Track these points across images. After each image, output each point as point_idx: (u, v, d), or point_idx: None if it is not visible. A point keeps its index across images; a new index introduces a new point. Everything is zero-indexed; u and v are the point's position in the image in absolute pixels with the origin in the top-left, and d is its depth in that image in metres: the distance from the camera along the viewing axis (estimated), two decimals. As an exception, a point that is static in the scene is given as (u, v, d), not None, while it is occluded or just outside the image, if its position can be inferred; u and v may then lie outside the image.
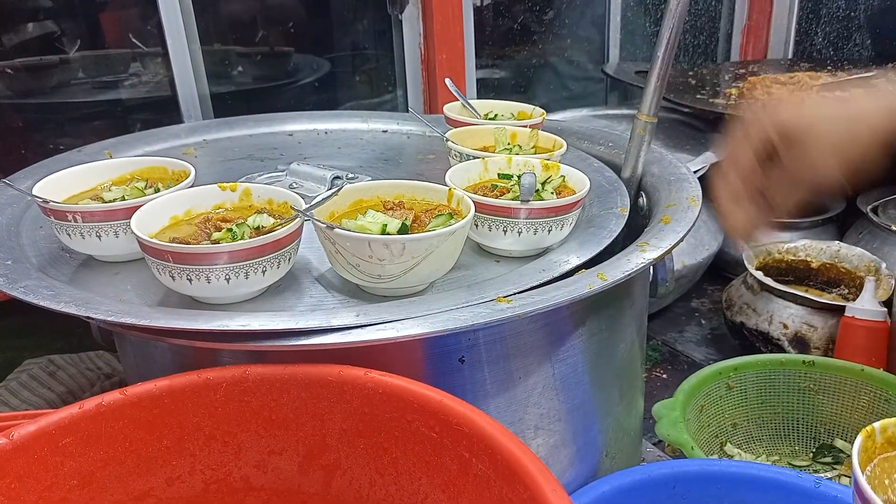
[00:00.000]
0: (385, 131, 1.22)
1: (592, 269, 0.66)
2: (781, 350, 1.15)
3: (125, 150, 1.07)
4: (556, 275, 0.67)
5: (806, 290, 1.29)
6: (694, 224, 0.75)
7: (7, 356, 1.23)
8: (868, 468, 0.57)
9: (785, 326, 1.15)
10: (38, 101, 1.42)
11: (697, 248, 1.31)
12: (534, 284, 0.64)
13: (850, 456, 0.98)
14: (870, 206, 1.05)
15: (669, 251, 0.69)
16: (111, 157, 1.04)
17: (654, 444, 1.04)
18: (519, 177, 0.77)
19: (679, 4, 0.80)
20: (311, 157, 1.07)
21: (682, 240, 0.72)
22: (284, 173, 0.93)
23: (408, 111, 1.59)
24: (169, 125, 1.24)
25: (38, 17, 1.38)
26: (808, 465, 1.00)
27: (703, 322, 1.40)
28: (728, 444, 1.01)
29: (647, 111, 0.88)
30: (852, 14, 1.95)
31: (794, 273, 1.31)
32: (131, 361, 0.79)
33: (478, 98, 1.62)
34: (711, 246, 1.35)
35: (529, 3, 1.75)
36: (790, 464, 1.01)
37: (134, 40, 1.47)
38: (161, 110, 1.44)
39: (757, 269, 1.24)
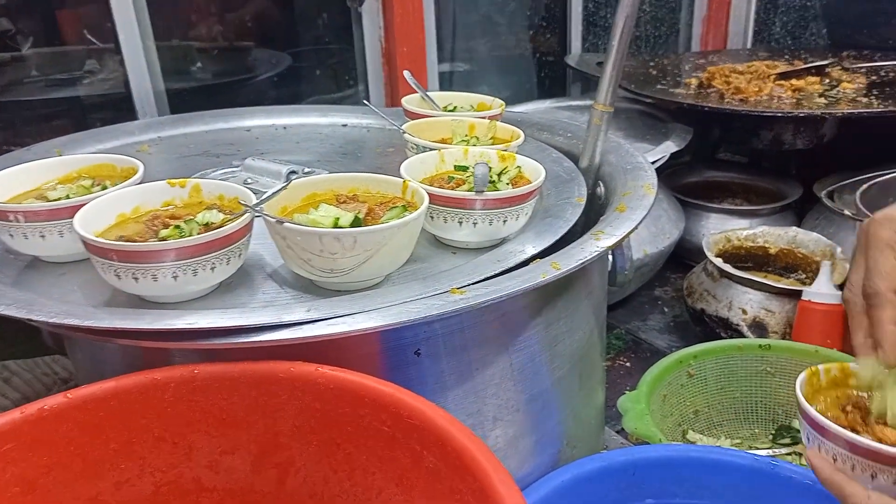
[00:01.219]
0: (345, 125, 1.21)
1: (547, 258, 0.66)
2: (741, 335, 1.17)
3: (77, 148, 1.04)
4: (511, 265, 0.66)
5: (765, 276, 1.31)
6: (649, 211, 0.75)
7: (-41, 363, 1.20)
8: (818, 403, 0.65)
9: (744, 312, 1.16)
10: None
11: (658, 237, 1.32)
12: (489, 275, 0.64)
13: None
14: (824, 192, 1.07)
15: (623, 239, 0.70)
16: (60, 155, 1.02)
17: (616, 433, 1.05)
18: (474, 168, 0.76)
19: None
20: (269, 152, 1.05)
21: (636, 227, 0.72)
22: (239, 168, 0.91)
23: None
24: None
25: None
26: (768, 447, 1.02)
27: (666, 310, 1.42)
28: (690, 431, 1.02)
29: (604, 101, 0.88)
30: (808, 3, 1.98)
31: (753, 259, 1.33)
32: (82, 364, 0.77)
33: (441, 90, 1.63)
34: (672, 234, 1.36)
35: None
36: (751, 447, 1.02)
37: (89, 37, 1.44)
38: (117, 108, 1.41)
39: (716, 256, 1.26)
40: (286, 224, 0.60)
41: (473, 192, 0.69)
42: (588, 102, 1.70)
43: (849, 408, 0.64)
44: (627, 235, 0.70)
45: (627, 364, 1.26)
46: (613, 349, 1.30)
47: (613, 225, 0.72)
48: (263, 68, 1.65)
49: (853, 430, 0.61)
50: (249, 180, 0.88)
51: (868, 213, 0.95)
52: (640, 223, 0.72)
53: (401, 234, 0.62)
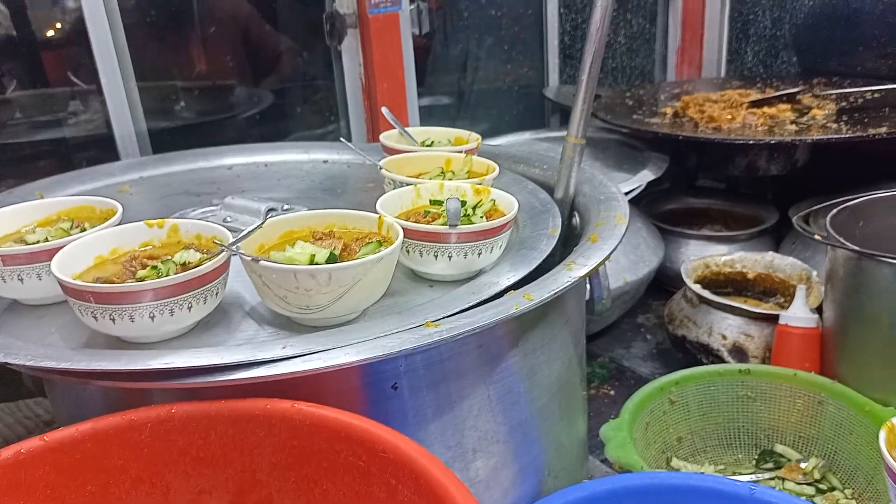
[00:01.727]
0: (326, 161, 1.22)
1: (521, 289, 0.67)
2: (722, 361, 1.18)
3: (58, 190, 1.05)
4: (485, 297, 0.67)
5: (744, 301, 1.33)
6: (620, 241, 0.76)
7: (-60, 407, 1.18)
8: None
9: (724, 337, 1.17)
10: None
11: (638, 265, 1.34)
12: (463, 307, 0.65)
13: (790, 460, 1.01)
14: (797, 217, 1.09)
15: (596, 268, 0.71)
16: (42, 197, 1.02)
17: (601, 461, 1.05)
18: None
19: (598, 31, 0.83)
20: (250, 189, 1.07)
21: (608, 257, 0.73)
22: (219, 207, 0.92)
23: (350, 140, 1.60)
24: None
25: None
26: (751, 472, 1.02)
27: (649, 337, 1.43)
28: (674, 458, 1.02)
29: (576, 133, 0.90)
30: (778, 33, 2.04)
31: (732, 285, 1.35)
32: (62, 407, 0.77)
33: (423, 125, 1.66)
34: (652, 262, 1.37)
35: (469, 30, 1.79)
36: (735, 472, 1.03)
37: (73, 78, 1.46)
38: (100, 148, 1.42)
39: (696, 282, 1.27)
40: (262, 262, 0.61)
41: (447, 226, 0.70)
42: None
43: None
44: (599, 265, 0.71)
45: (612, 392, 1.26)
46: (597, 378, 1.31)
47: (586, 255, 0.73)
48: (246, 106, 1.68)
49: None
50: (229, 219, 0.89)
51: (837, 237, 0.96)
52: (611, 252, 0.74)
53: (376, 269, 0.63)
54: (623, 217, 0.82)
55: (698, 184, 1.96)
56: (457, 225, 0.70)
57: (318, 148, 1.25)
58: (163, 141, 1.44)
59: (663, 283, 1.52)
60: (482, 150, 1.06)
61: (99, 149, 1.42)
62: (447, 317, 0.63)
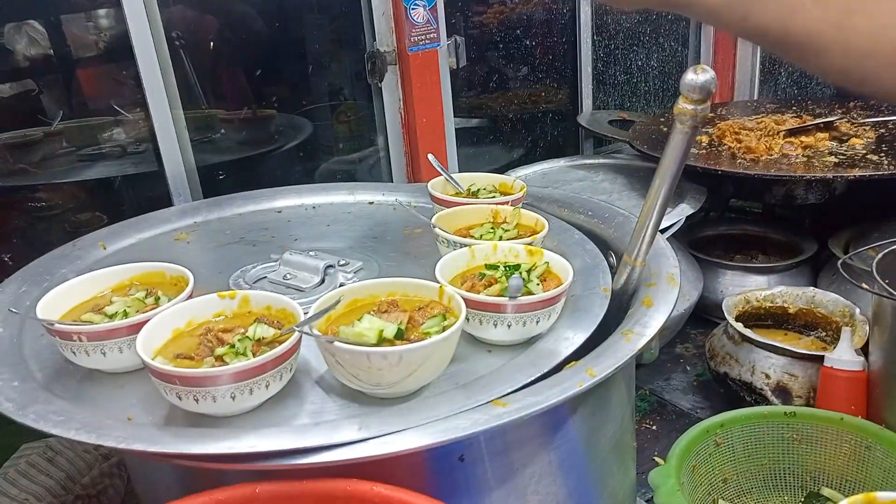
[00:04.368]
0: (371, 203, 1.25)
1: (581, 362, 0.69)
2: (765, 399, 1.19)
3: (117, 239, 1.09)
4: (547, 369, 0.70)
5: (785, 334, 1.34)
6: (674, 306, 0.78)
7: (3, 442, 1.23)
8: None
9: (767, 376, 1.18)
10: (20, 182, 1.42)
11: (679, 300, 1.34)
12: (526, 382, 0.67)
13: (837, 504, 1.02)
14: (842, 261, 1.09)
15: (654, 338, 0.73)
16: (104, 248, 1.07)
17: (646, 502, 1.07)
18: (506, 268, 0.80)
19: (677, 159, 0.76)
20: (302, 237, 1.10)
21: (664, 324, 0.75)
22: (278, 263, 0.95)
23: (391, 175, 1.63)
24: (158, 200, 1.27)
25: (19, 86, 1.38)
26: (798, 515, 1.03)
27: (689, 368, 1.44)
28: (720, 499, 1.04)
29: (634, 256, 0.84)
30: (813, 53, 2.02)
31: (773, 318, 1.36)
32: (138, 471, 0.81)
33: (459, 149, 1.67)
34: (692, 295, 1.39)
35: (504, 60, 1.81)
36: (781, 514, 1.04)
37: (118, 109, 1.48)
38: (150, 184, 1.45)
39: (737, 317, 1.28)
40: (336, 343, 0.64)
41: (507, 298, 0.73)
42: (602, 161, 1.76)
43: None
44: (657, 335, 0.73)
45: (654, 427, 1.28)
46: (639, 412, 1.32)
47: (642, 323, 0.75)
48: (287, 137, 1.70)
49: None
50: (288, 276, 0.92)
51: (888, 288, 0.97)
52: (667, 320, 0.75)
53: (442, 346, 0.66)
54: (674, 278, 0.84)
55: (732, 204, 1.96)
56: (517, 297, 0.73)
57: (363, 189, 1.28)
58: (209, 175, 1.47)
59: (701, 311, 1.53)
60: (526, 194, 1.08)
61: (150, 186, 1.45)
62: (512, 392, 0.66)
